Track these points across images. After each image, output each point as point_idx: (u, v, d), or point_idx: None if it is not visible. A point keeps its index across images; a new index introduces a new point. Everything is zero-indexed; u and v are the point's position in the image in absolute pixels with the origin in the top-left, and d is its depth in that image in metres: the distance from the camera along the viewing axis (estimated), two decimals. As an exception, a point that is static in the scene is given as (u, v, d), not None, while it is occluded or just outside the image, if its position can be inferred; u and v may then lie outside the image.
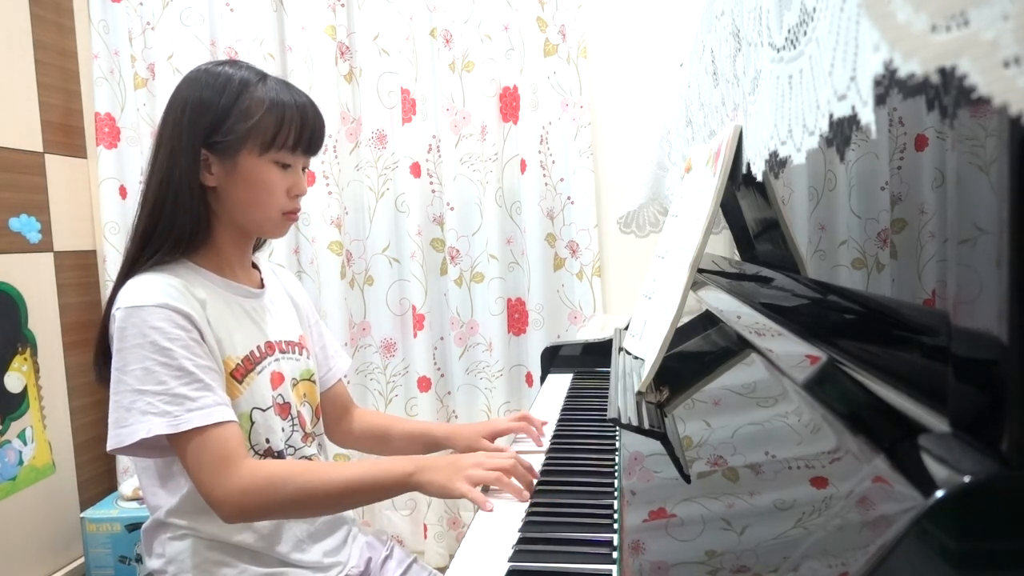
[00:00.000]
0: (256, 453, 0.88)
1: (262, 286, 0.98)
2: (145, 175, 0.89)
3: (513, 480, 0.80)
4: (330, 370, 1.11)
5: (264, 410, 0.90)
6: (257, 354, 0.91)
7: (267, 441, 0.89)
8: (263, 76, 0.89)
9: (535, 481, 0.82)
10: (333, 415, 1.12)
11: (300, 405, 0.96)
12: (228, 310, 0.90)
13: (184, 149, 0.85)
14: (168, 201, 0.86)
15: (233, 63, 0.90)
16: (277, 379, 0.93)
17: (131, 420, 0.78)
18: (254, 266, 1.00)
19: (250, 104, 0.86)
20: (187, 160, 0.85)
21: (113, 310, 0.83)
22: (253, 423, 0.88)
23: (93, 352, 0.89)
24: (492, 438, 1.01)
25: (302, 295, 1.09)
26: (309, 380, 1.00)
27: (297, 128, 0.89)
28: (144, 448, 0.80)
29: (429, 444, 1.08)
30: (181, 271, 0.87)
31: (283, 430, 0.92)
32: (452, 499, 0.83)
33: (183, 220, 0.86)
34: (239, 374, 0.88)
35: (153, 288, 0.82)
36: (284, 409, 0.93)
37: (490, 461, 0.81)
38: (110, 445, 0.79)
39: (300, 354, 0.99)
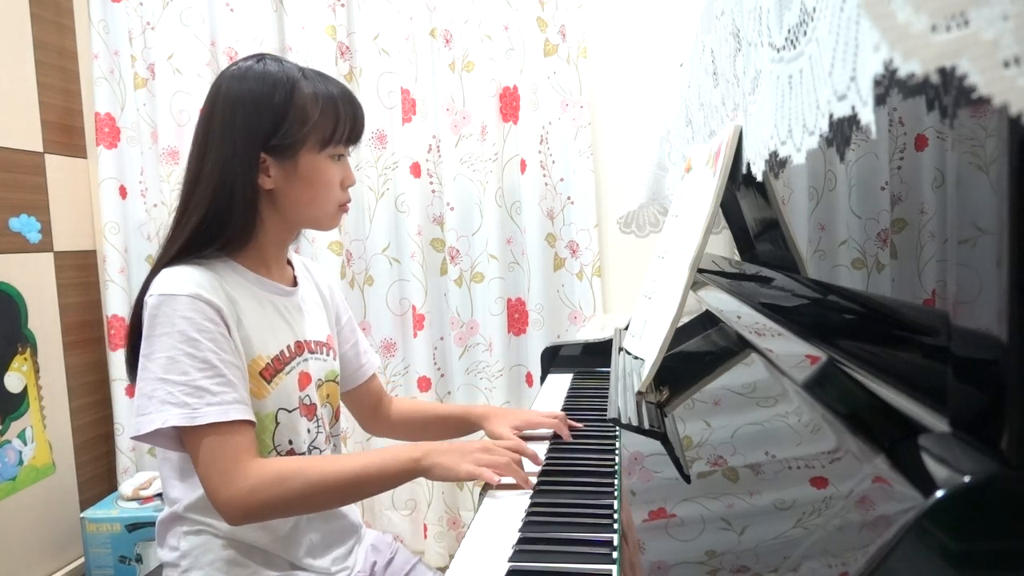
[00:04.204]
0: (278, 454, 0.88)
1: (295, 284, 0.97)
2: (189, 176, 0.87)
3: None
4: (362, 367, 1.11)
5: (290, 411, 0.89)
6: (287, 354, 0.90)
7: (290, 442, 0.89)
8: (301, 69, 0.88)
9: (535, 481, 0.82)
10: (369, 406, 1.13)
11: (322, 407, 0.96)
12: (260, 309, 0.89)
13: (240, 153, 0.84)
14: (223, 207, 0.84)
15: (270, 59, 0.88)
16: (305, 380, 0.92)
17: (150, 408, 0.78)
18: (288, 262, 1.00)
19: (305, 103, 0.86)
20: (244, 164, 0.84)
21: (146, 297, 0.82)
22: (278, 424, 0.87)
23: (126, 344, 0.88)
24: (523, 429, 0.99)
25: (334, 290, 1.08)
26: (333, 381, 1.00)
27: (351, 120, 0.90)
28: (164, 439, 0.80)
29: (463, 427, 1.09)
30: (218, 267, 0.86)
31: (308, 431, 0.91)
32: (458, 482, 0.82)
33: (235, 225, 0.85)
34: (268, 374, 0.87)
35: (187, 278, 0.81)
36: (310, 410, 0.92)
37: (496, 446, 0.82)
38: (131, 433, 0.79)
39: (327, 354, 0.98)
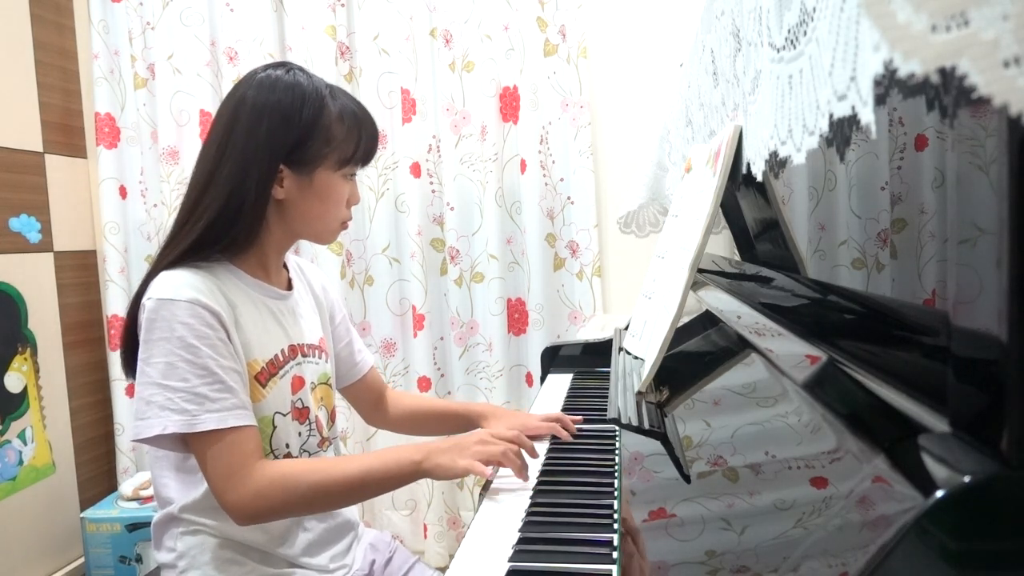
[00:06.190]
0: (276, 457, 0.88)
1: (290, 287, 0.98)
2: (201, 178, 0.86)
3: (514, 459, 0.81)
4: (356, 364, 1.12)
5: (284, 414, 0.90)
6: (281, 358, 0.91)
7: (287, 446, 0.90)
8: (329, 86, 0.89)
9: (535, 481, 0.82)
10: (370, 401, 1.15)
11: (317, 409, 0.96)
12: (257, 312, 0.89)
13: (259, 161, 0.84)
14: (233, 211, 0.84)
15: (298, 70, 0.88)
16: (298, 383, 0.93)
17: (150, 413, 0.78)
18: (284, 265, 1.00)
19: (331, 122, 0.87)
20: (261, 173, 0.85)
21: (144, 299, 0.82)
22: (275, 427, 0.88)
23: (121, 342, 0.89)
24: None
25: (327, 291, 1.08)
26: (326, 384, 1.00)
27: (369, 143, 0.92)
28: (165, 441, 0.80)
29: (463, 424, 1.11)
30: (218, 270, 0.86)
31: (299, 434, 0.92)
32: (458, 478, 0.84)
33: (241, 230, 0.85)
34: (263, 378, 0.88)
35: (185, 283, 0.81)
36: (302, 413, 0.93)
37: (492, 439, 0.83)
38: (131, 435, 0.80)
39: (319, 357, 0.99)
